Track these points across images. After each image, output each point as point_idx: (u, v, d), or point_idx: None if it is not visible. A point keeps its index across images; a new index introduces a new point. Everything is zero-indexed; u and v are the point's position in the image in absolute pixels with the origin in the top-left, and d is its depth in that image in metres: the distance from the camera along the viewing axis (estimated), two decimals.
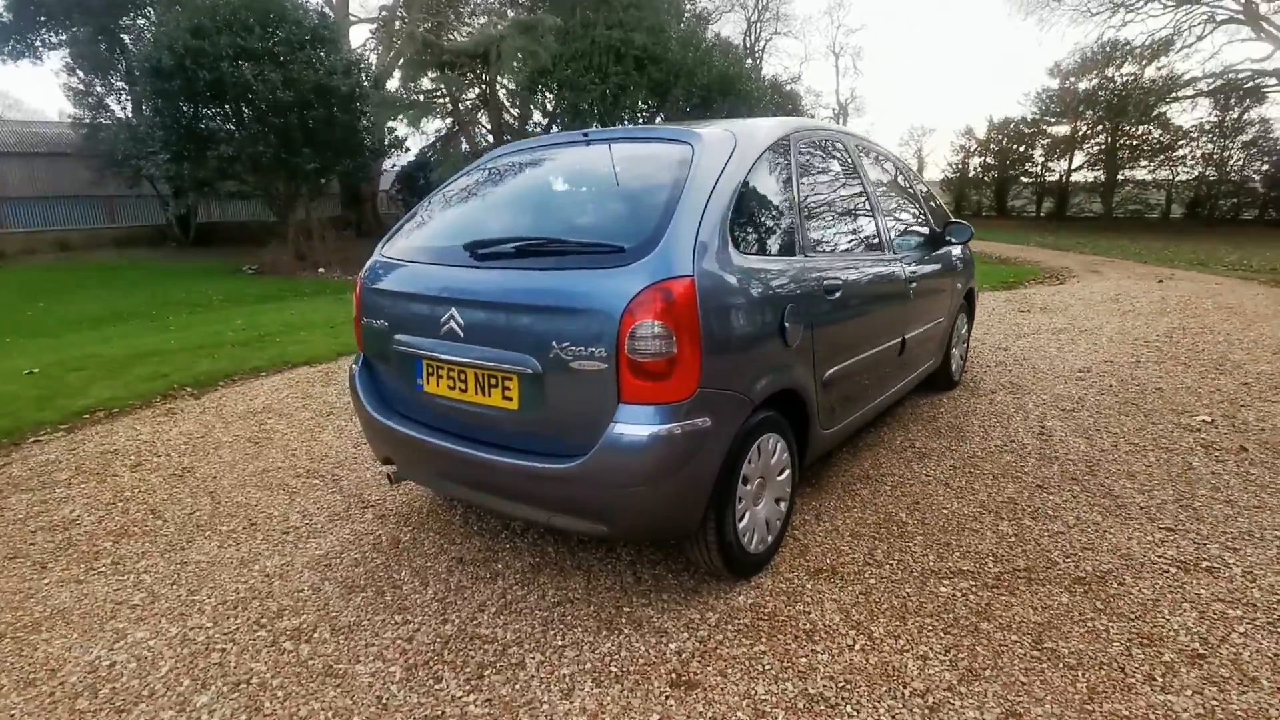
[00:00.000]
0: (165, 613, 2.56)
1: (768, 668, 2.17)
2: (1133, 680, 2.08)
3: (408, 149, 21.05)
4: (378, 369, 2.91)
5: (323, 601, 2.59)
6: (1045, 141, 27.72)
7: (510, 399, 2.38)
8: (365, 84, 16.04)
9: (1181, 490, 3.26)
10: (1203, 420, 4.15)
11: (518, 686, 2.12)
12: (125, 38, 19.03)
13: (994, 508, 3.14)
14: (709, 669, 2.17)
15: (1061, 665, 2.14)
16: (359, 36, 24.28)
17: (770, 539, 2.69)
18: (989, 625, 2.34)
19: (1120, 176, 26.58)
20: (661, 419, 2.14)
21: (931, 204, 4.38)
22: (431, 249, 2.78)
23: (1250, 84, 22.94)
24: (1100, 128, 26.29)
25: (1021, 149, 28.19)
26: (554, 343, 2.23)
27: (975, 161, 29.77)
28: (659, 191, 2.39)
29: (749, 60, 30.39)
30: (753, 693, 2.06)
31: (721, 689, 2.08)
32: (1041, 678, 2.09)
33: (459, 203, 3.04)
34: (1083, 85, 25.90)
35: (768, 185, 2.72)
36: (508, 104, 19.10)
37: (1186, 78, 23.83)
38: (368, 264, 2.97)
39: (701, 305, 2.17)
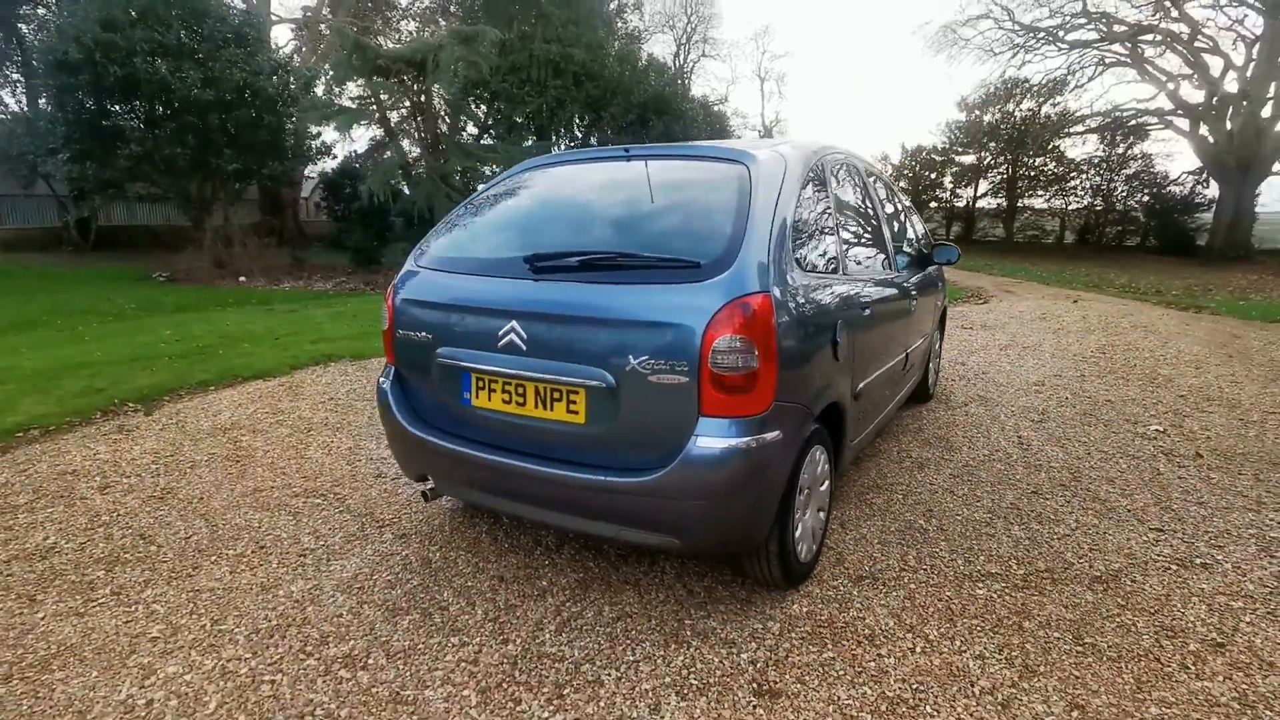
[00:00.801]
0: (193, 645, 2.39)
1: (841, 673, 2.23)
2: (1170, 669, 2.26)
3: (335, 155, 20.33)
4: (412, 383, 2.83)
5: (367, 626, 2.48)
6: (954, 170, 29.50)
7: (576, 413, 2.36)
8: (293, 86, 15.43)
9: (1158, 494, 3.56)
10: (1156, 429, 4.54)
11: (601, 704, 2.10)
12: (23, 27, 17.60)
13: (1001, 513, 3.33)
14: (787, 677, 2.21)
15: (1105, 659, 2.31)
16: (280, 36, 23.36)
17: (815, 548, 2.77)
18: (1030, 624, 2.49)
19: (1020, 204, 28.61)
20: (741, 432, 2.19)
21: (918, 225, 4.63)
22: (480, 261, 2.73)
23: (1134, 122, 25.18)
24: (1002, 159, 28.23)
25: (933, 176, 29.89)
26: (630, 356, 2.23)
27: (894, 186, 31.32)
28: (724, 209, 2.44)
29: (679, 81, 31.00)
30: (836, 698, 2.12)
31: (804, 696, 2.13)
32: (1091, 671, 2.25)
33: (500, 215, 3.00)
34: (987, 118, 27.75)
35: (815, 205, 2.82)
36: (443, 114, 18.75)
37: (1078, 115, 25.94)
38: (401, 275, 2.89)
39: (776, 321, 2.24)
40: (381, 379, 2.93)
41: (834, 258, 2.87)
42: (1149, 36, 23.95)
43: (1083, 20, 24.74)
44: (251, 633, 2.45)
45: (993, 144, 27.95)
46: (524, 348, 2.41)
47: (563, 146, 22.47)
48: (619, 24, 27.93)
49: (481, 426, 2.60)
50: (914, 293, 3.86)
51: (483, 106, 20.93)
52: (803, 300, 2.44)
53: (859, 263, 3.16)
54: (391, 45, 18.71)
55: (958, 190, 29.75)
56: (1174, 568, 2.86)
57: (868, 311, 2.99)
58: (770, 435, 2.24)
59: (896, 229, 4.04)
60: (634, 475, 2.26)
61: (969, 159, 29.05)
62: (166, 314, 10.40)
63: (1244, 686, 2.18)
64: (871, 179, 3.91)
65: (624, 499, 2.29)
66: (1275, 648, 2.36)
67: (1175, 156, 44.46)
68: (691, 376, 2.17)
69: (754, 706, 2.09)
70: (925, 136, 42.03)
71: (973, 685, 2.18)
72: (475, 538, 3.11)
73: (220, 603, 2.63)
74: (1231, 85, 23.12)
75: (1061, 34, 25.08)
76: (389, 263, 16.47)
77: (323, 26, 22.95)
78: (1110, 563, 2.89)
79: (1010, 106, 26.95)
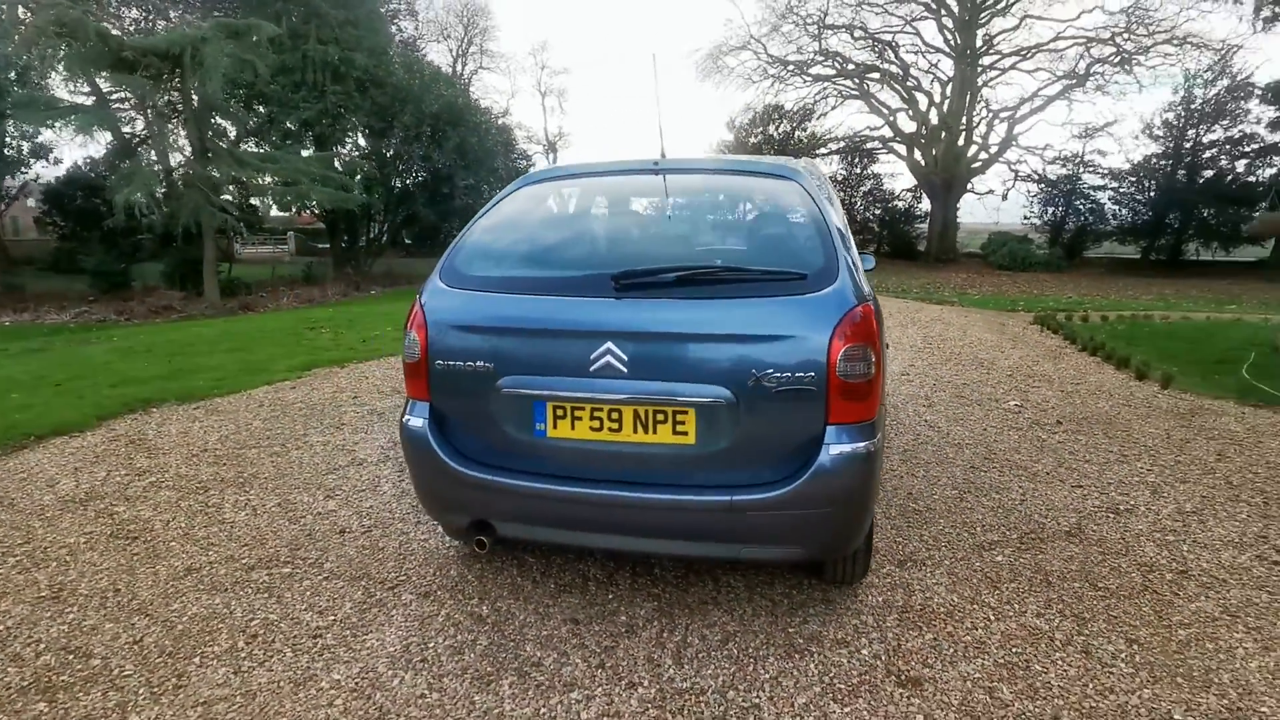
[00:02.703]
0: None
1: (952, 650, 2.41)
2: (1168, 596, 2.75)
3: (58, 160, 16.83)
4: (456, 419, 2.52)
5: (466, 702, 2.17)
6: None
7: (685, 433, 2.28)
8: (9, 77, 12.58)
9: (1055, 458, 4.27)
10: (1015, 405, 5.41)
11: None
12: None
13: (962, 489, 3.77)
14: (913, 663, 2.34)
15: (1120, 597, 2.74)
16: None
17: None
18: (1052, 579, 2.87)
19: None
20: (864, 437, 2.27)
21: None
22: (549, 279, 2.51)
23: (867, 146, 29.45)
24: None
25: None
26: (754, 370, 2.22)
27: None
28: (802, 221, 2.51)
29: (468, 92, 30.17)
30: (965, 674, 2.29)
31: (940, 678, 2.27)
32: (1120, 609, 2.66)
33: (550, 230, 2.77)
34: (752, 139, 30.72)
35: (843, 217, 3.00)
36: (211, 117, 16.40)
37: (825, 138, 29.73)
38: (429, 298, 2.55)
39: (879, 327, 2.36)
40: (410, 419, 2.56)
41: (857, 264, 3.07)
42: (874, 75, 28.16)
43: (821, 58, 28.38)
44: None
45: None
46: (624, 370, 2.27)
47: (347, 156, 20.84)
48: (394, 29, 26.55)
49: (559, 459, 2.40)
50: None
51: (250, 110, 18.66)
52: (876, 307, 2.59)
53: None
54: (135, 35, 15.96)
55: None
56: (1110, 516, 3.47)
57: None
58: (879, 438, 2.35)
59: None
60: (761, 491, 2.24)
61: None
62: None
63: (1222, 599, 2.72)
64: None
65: (751, 517, 2.25)
66: (1217, 568, 2.97)
67: (899, 176, 52.47)
68: (819, 386, 2.21)
69: (908, 697, 2.18)
70: (701, 155, 45.53)
71: (1052, 640, 2.47)
72: (512, 583, 2.84)
73: (252, 714, 2.13)
74: (935, 118, 27.95)
75: (806, 69, 28.60)
76: (143, 286, 14.08)
77: (21, 8, 18.93)
78: (1067, 518, 3.42)
79: (771, 129, 30.08)
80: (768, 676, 2.27)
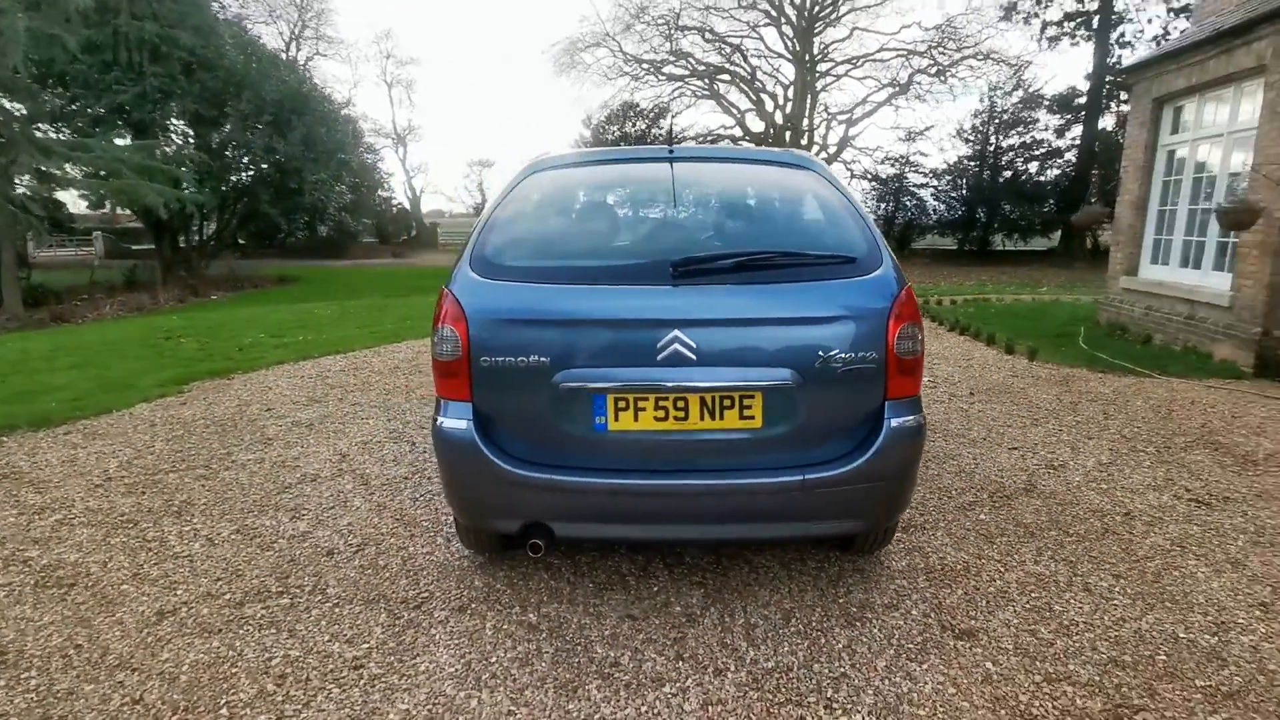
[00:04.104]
0: None
1: (986, 603, 2.61)
2: (1125, 536, 3.15)
3: None
4: (502, 419, 2.38)
5: (559, 712, 2.07)
6: None
7: (751, 417, 2.31)
8: None
9: (983, 426, 4.72)
10: (927, 381, 5.91)
11: (873, 693, 2.14)
12: None
13: (925, 458, 4.05)
14: (960, 617, 2.52)
15: (1092, 540, 3.10)
16: None
17: None
18: (1033, 530, 3.19)
19: None
20: (915, 410, 2.41)
21: None
22: (602, 268, 2.41)
23: (721, 142, 30.70)
24: None
25: None
26: (818, 352, 2.28)
27: None
28: (835, 208, 2.60)
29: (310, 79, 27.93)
30: (1008, 622, 2.50)
31: (988, 628, 2.46)
32: (1096, 550, 3.01)
33: (581, 219, 2.66)
34: (609, 137, 31.01)
35: None
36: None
37: (680, 136, 30.61)
38: (467, 291, 2.38)
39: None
40: (447, 421, 2.38)
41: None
42: (724, 76, 29.41)
43: (674, 58, 29.23)
44: None
45: None
46: (693, 358, 2.26)
47: (172, 147, 18.62)
48: (215, 5, 24.09)
49: (621, 452, 2.34)
50: None
51: (47, 90, 16.18)
52: None
53: None
54: None
55: None
56: (1050, 470, 3.90)
57: None
58: (922, 411, 2.50)
59: None
60: (831, 468, 2.31)
61: None
62: None
63: (1167, 534, 3.16)
64: None
65: (820, 494, 2.32)
66: (1150, 509, 3.44)
67: None
68: (879, 364, 2.32)
69: (969, 648, 2.34)
70: (559, 151, 45.43)
71: (1058, 583, 2.76)
72: (546, 587, 2.72)
73: None
74: (780, 119, 29.69)
75: (661, 68, 29.31)
76: None
77: None
78: (1019, 477, 3.81)
79: (628, 126, 30.51)
80: (841, 646, 2.36)
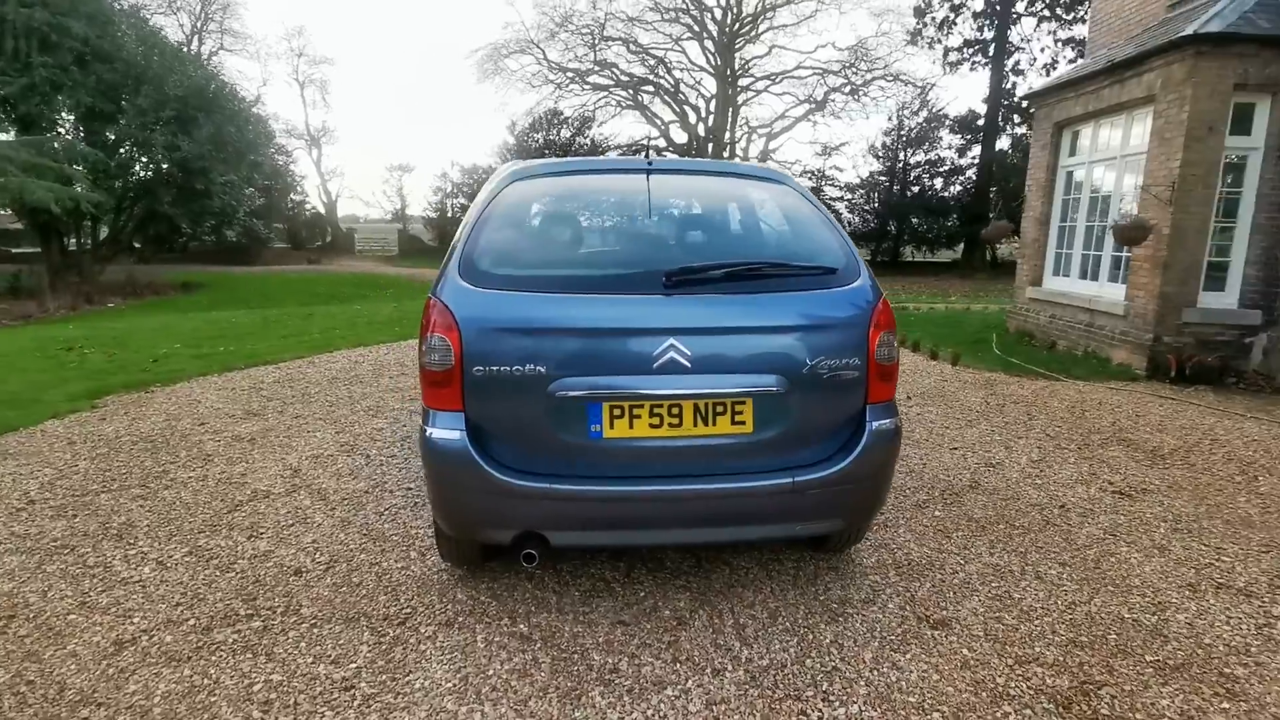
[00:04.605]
0: None
1: (952, 592, 2.78)
2: (1063, 527, 3.40)
3: None
4: (496, 429, 2.36)
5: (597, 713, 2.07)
6: None
7: (743, 422, 2.38)
8: None
9: (924, 428, 4.99)
10: None
11: (864, 684, 2.24)
12: None
13: None
14: (932, 607, 2.66)
15: (1035, 531, 3.34)
16: None
17: None
18: (984, 524, 3.40)
19: None
20: (893, 413, 2.55)
21: None
22: (597, 277, 2.44)
23: (642, 151, 31.06)
24: None
25: None
26: (807, 359, 2.38)
27: (453, 202, 32.35)
28: (815, 222, 2.71)
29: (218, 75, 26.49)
30: (975, 610, 2.66)
31: (960, 616, 2.61)
32: (1041, 541, 3.24)
33: (571, 229, 2.66)
34: (533, 144, 30.84)
35: None
36: None
37: (605, 146, 30.77)
38: (458, 300, 2.34)
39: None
40: (437, 431, 2.34)
41: None
42: (648, 88, 29.81)
43: (599, 68, 29.42)
44: None
45: None
46: (687, 365, 2.31)
47: (69, 139, 17.27)
48: None
49: (617, 459, 2.37)
50: None
51: None
52: None
53: None
54: None
55: None
56: (989, 468, 4.17)
57: None
58: (899, 414, 2.64)
59: None
60: (818, 470, 2.41)
61: None
62: None
63: (1099, 524, 3.43)
64: None
65: (809, 495, 2.41)
66: (1081, 501, 3.73)
67: None
68: (861, 370, 2.44)
69: (945, 637, 2.49)
70: (482, 156, 44.61)
71: (1013, 573, 2.95)
72: (533, 598, 2.71)
73: None
74: (702, 131, 30.32)
75: (585, 77, 29.43)
76: None
77: None
78: (964, 476, 4.05)
79: (553, 134, 30.44)
80: (829, 641, 2.45)
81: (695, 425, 2.36)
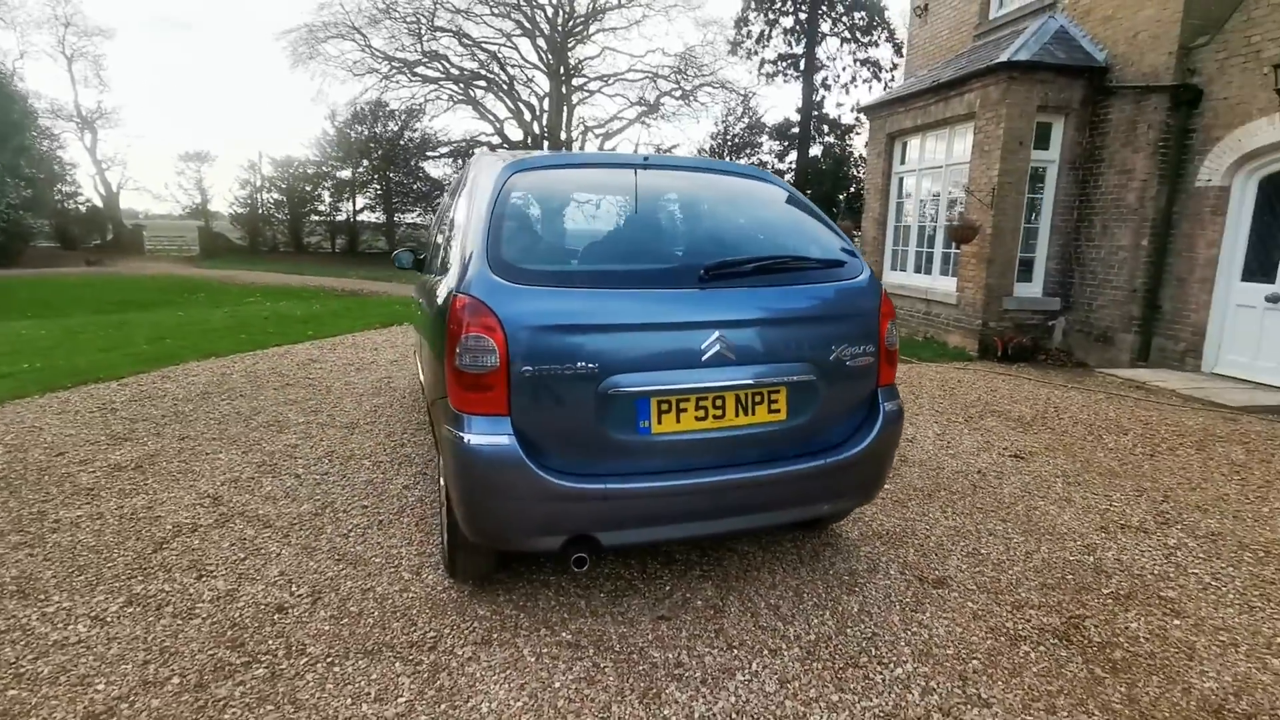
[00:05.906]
0: None
1: (935, 555, 3.06)
2: (984, 487, 3.86)
3: None
4: (540, 430, 2.25)
5: (685, 711, 2.04)
6: (331, 184, 29.70)
7: (778, 410, 2.48)
8: None
9: None
10: None
11: (907, 643, 2.42)
12: None
13: None
14: (925, 570, 2.92)
15: (970, 492, 3.76)
16: None
17: None
18: (927, 491, 3.77)
19: (397, 218, 30.95)
20: (897, 395, 2.76)
21: None
22: (636, 272, 2.38)
23: (480, 148, 30.21)
24: (376, 175, 29.92)
25: (310, 189, 29.42)
26: (833, 347, 2.52)
27: (265, 197, 29.45)
28: (809, 217, 2.85)
29: None
30: (961, 567, 2.95)
31: (957, 577, 2.89)
32: (977, 499, 3.66)
33: (589, 224, 2.55)
34: (354, 136, 28.89)
35: None
36: None
37: (436, 140, 29.58)
38: (497, 298, 2.20)
39: None
40: (480, 438, 2.19)
41: None
42: (481, 83, 29.03)
43: (427, 59, 28.17)
44: None
45: (366, 161, 29.30)
46: (732, 357, 2.36)
47: None
48: None
49: (665, 454, 2.36)
50: None
51: None
52: None
53: None
54: None
55: (338, 204, 30.12)
56: (909, 443, 4.61)
57: None
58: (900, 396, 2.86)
59: None
60: (844, 451, 2.56)
61: (345, 174, 29.71)
62: None
63: (1013, 484, 3.94)
64: None
65: (839, 475, 2.55)
66: (989, 466, 4.25)
67: None
68: (874, 356, 2.62)
69: (949, 594, 2.74)
70: (297, 149, 40.75)
71: (973, 533, 3.31)
72: (559, 605, 2.61)
73: None
74: (538, 128, 30.12)
75: (413, 68, 28.03)
76: None
77: None
78: (930, 461, 4.43)
79: (378, 127, 28.71)
80: (857, 610, 2.62)
81: (736, 416, 2.41)
